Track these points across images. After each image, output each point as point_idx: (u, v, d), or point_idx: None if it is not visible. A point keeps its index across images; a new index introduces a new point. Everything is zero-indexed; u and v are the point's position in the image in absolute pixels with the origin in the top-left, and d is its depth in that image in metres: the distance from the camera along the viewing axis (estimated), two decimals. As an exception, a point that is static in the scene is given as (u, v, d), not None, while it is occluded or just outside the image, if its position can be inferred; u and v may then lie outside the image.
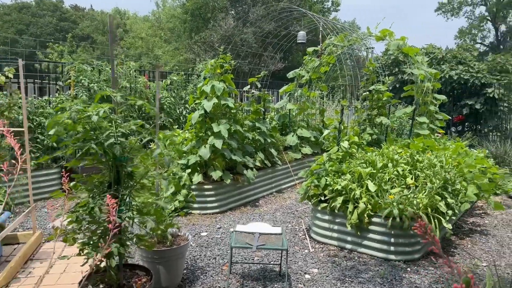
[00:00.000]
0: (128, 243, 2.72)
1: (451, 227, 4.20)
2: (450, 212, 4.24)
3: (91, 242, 2.58)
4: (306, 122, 8.23)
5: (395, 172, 4.65)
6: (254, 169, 6.37)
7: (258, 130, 6.77)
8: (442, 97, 7.26)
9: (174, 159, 5.79)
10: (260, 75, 6.96)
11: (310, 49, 7.92)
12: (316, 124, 8.65)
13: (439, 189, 4.32)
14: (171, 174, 5.63)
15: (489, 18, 37.91)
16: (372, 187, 4.32)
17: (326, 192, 4.61)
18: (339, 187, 4.38)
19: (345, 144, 4.80)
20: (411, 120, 6.63)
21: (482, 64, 12.93)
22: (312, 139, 7.95)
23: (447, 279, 3.78)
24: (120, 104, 2.79)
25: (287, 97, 7.85)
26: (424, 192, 4.28)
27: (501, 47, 34.77)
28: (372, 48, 7.42)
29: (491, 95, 12.41)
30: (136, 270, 3.04)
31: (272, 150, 6.93)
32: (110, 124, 2.63)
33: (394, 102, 6.17)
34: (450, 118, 8.12)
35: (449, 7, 40.02)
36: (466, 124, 13.54)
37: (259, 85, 6.79)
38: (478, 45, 36.36)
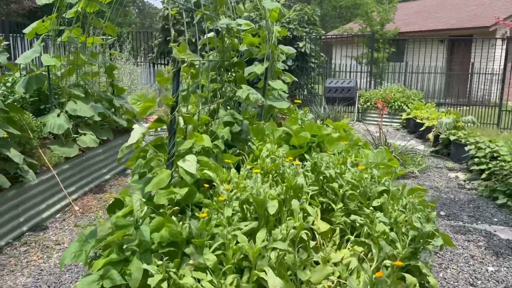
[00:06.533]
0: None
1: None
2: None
3: None
4: (83, 89, 4.78)
5: (301, 216, 2.05)
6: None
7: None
8: (291, 49, 4.98)
9: None
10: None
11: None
12: (102, 91, 5.27)
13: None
14: None
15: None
16: None
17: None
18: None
19: (189, 164, 1.89)
20: (262, 87, 4.12)
21: (292, 13, 11.50)
22: (97, 118, 4.62)
23: None
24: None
25: (41, 43, 4.20)
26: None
27: None
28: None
29: (302, 50, 11.19)
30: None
31: (12, 151, 3.38)
32: None
33: (261, 53, 3.46)
34: (296, 80, 6.12)
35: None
36: (276, 82, 12.21)
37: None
38: None
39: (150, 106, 1.90)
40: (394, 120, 9.79)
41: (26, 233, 3.56)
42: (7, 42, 3.69)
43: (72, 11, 4.56)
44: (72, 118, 4.44)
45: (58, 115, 4.25)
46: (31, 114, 4.07)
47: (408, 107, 9.55)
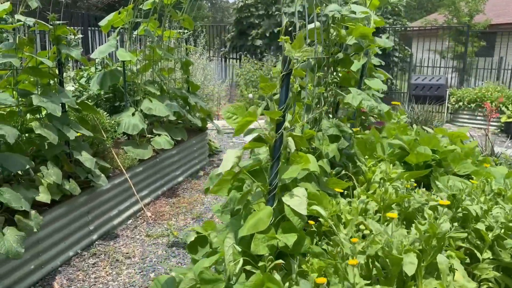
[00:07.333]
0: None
1: None
2: None
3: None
4: (158, 85, 4.49)
5: None
6: (34, 212, 2.57)
7: (40, 117, 2.88)
8: (387, 43, 4.30)
9: None
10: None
11: None
12: (177, 88, 4.96)
13: None
14: None
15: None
16: None
17: None
18: None
19: (298, 201, 1.38)
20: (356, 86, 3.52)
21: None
22: (172, 117, 4.31)
23: None
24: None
25: (116, 36, 3.95)
26: None
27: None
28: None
29: (384, 43, 10.28)
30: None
31: (84, 154, 3.12)
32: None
33: (372, 48, 2.90)
34: (390, 77, 5.46)
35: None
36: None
37: (36, 4, 2.78)
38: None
39: (250, 121, 1.42)
40: (490, 123, 8.62)
41: (96, 242, 3.31)
42: (81, 36, 3.44)
43: (149, 2, 4.27)
44: (147, 117, 4.17)
45: (133, 114, 3.99)
46: (105, 112, 3.83)
47: (508, 109, 8.35)
